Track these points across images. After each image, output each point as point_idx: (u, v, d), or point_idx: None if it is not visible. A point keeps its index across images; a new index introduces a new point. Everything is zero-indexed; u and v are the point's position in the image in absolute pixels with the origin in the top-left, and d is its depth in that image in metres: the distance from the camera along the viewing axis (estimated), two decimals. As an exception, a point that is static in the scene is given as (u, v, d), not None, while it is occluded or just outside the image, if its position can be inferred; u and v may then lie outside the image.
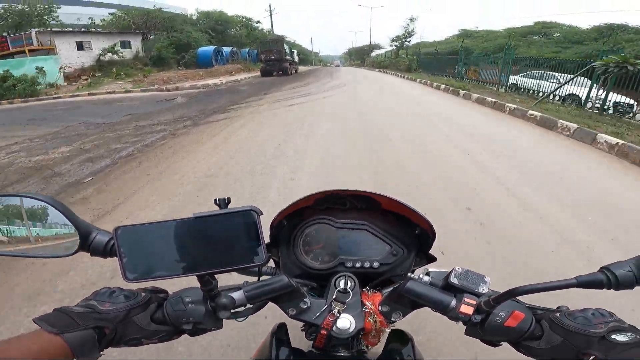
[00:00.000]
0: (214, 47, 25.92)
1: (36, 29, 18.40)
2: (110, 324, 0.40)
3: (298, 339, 0.62)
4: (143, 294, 0.45)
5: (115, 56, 20.20)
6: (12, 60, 16.04)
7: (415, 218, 0.61)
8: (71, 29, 20.18)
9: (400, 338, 0.60)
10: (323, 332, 0.50)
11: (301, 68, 34.78)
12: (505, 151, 4.28)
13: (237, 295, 0.46)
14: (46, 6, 21.86)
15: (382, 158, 4.02)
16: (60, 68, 17.10)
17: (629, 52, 8.58)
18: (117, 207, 2.95)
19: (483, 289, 0.44)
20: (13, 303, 1.79)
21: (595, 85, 6.77)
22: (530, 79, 8.85)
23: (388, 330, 0.55)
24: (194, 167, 3.86)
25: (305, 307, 0.51)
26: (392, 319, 0.52)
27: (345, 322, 0.49)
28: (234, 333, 1.51)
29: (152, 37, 26.44)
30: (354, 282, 0.55)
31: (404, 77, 18.55)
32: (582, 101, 7.19)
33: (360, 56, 56.40)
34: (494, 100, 7.70)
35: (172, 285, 0.45)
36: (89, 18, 23.73)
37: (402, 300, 0.50)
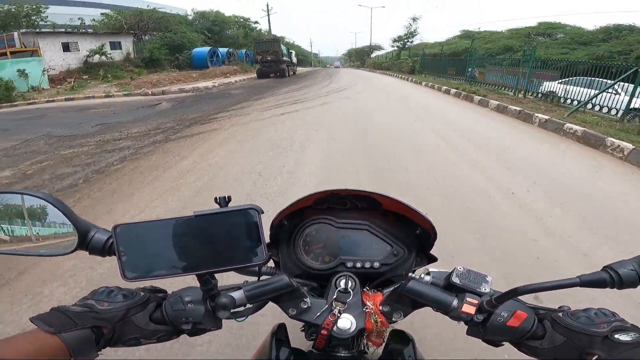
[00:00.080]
0: (209, 48, 24.98)
1: (20, 30, 17.49)
2: (108, 324, 0.39)
3: (298, 339, 0.61)
4: (142, 294, 0.44)
5: (103, 57, 19.24)
6: (-9, 62, 15.11)
7: (417, 218, 0.60)
8: (56, 30, 19.22)
9: (401, 338, 0.60)
10: (324, 332, 0.49)
11: (300, 69, 33.87)
12: (558, 188, 3.24)
13: (237, 294, 0.45)
14: (34, 6, 20.97)
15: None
16: (44, 70, 16.19)
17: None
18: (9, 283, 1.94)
19: (485, 288, 0.44)
20: None
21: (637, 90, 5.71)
22: (573, 86, 6.89)
23: (389, 330, 0.55)
24: (140, 213, 2.83)
25: (305, 307, 0.50)
26: (393, 319, 0.51)
27: (346, 322, 0.49)
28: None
29: (146, 37, 25.57)
30: (355, 282, 0.54)
31: (407, 80, 17.48)
32: (618, 110, 6.08)
33: (360, 57, 55.62)
34: (517, 108, 6.62)
35: (172, 285, 0.45)
36: (79, 18, 22.72)
37: (403, 300, 0.49)
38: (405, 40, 28.79)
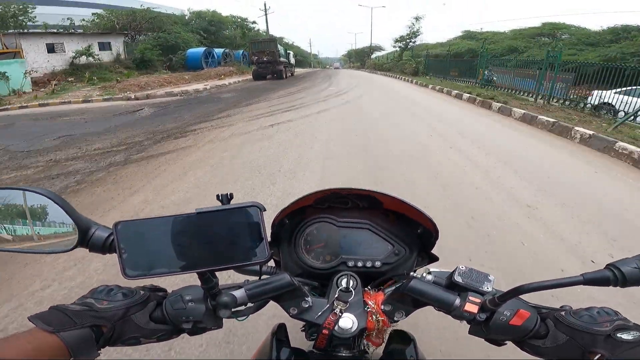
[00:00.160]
0: (204, 48, 24.04)
1: (1, 31, 16.57)
2: (108, 323, 0.39)
3: (298, 339, 0.60)
4: (142, 292, 0.43)
5: (90, 59, 18.30)
6: (-33, 65, 14.20)
7: (418, 217, 0.60)
8: (40, 30, 18.29)
9: (402, 338, 0.59)
10: (325, 331, 0.49)
11: (298, 70, 32.93)
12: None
13: (238, 293, 0.44)
14: (20, 6, 20.02)
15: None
16: (26, 72, 15.26)
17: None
18: None
19: (487, 287, 0.43)
20: None
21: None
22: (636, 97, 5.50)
23: (389, 330, 0.54)
24: (47, 290, 1.84)
25: (306, 306, 0.49)
26: (395, 319, 0.50)
27: (348, 321, 0.48)
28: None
29: (141, 37, 24.63)
30: (356, 281, 0.54)
31: (412, 82, 16.48)
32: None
33: (360, 58, 54.68)
34: (549, 119, 5.61)
35: (172, 284, 0.46)
36: (68, 18, 21.73)
37: (405, 299, 0.49)
38: (408, 41, 27.75)
